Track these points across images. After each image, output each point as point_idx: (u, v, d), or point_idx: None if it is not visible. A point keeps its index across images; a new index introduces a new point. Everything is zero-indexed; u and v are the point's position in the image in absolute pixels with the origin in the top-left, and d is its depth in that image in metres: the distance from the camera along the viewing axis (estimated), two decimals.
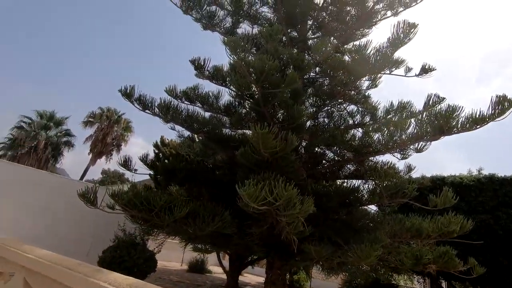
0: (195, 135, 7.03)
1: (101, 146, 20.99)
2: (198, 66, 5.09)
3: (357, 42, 5.11)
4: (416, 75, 5.85)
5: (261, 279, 16.44)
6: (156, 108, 4.89)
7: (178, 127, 5.55)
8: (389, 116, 5.65)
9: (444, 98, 5.28)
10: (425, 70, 5.75)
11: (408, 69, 5.70)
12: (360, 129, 5.90)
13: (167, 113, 4.88)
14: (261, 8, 6.67)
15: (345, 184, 5.15)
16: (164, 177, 5.16)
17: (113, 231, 8.33)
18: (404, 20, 3.95)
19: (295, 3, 6.12)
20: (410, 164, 5.51)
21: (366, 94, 6.10)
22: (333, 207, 4.61)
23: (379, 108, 5.83)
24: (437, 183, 10.60)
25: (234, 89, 5.07)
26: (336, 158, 5.47)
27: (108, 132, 21.16)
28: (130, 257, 7.14)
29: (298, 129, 4.17)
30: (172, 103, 4.97)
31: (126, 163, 4.86)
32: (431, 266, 4.40)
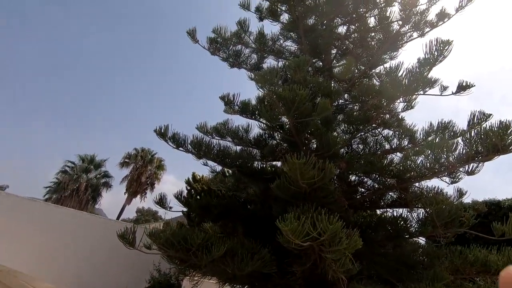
0: (227, 170, 7.04)
1: (136, 186, 21.78)
2: (228, 102, 5.21)
3: (387, 65, 5.00)
4: (453, 93, 5.55)
5: None
6: (189, 145, 4.98)
7: (210, 163, 5.59)
8: (429, 137, 5.30)
9: (490, 115, 4.87)
10: (462, 87, 5.44)
11: (444, 88, 5.43)
12: (399, 154, 5.58)
13: (200, 149, 4.95)
14: (284, 43, 6.88)
15: (389, 214, 4.75)
16: (198, 214, 5.10)
17: (148, 270, 8.28)
18: (437, 38, 3.81)
19: (318, 35, 6.24)
20: (461, 189, 5.03)
21: (400, 117, 5.85)
22: (379, 240, 4.22)
23: (417, 130, 5.52)
24: (492, 208, 9.56)
25: (264, 121, 5.08)
26: (376, 186, 5.13)
27: (142, 172, 22.05)
28: None
29: (334, 157, 4.00)
30: (204, 139, 5.05)
31: (161, 201, 4.89)
32: None
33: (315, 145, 4.77)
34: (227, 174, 6.54)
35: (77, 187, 18.86)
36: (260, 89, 6.19)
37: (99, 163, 21.09)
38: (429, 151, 4.06)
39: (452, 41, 3.78)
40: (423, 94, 5.35)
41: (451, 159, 3.93)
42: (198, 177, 11.97)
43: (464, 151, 3.82)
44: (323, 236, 2.42)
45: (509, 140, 3.43)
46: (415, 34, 6.37)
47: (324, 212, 2.56)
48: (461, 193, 5.00)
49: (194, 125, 5.73)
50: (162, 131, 4.71)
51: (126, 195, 21.87)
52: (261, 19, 7.54)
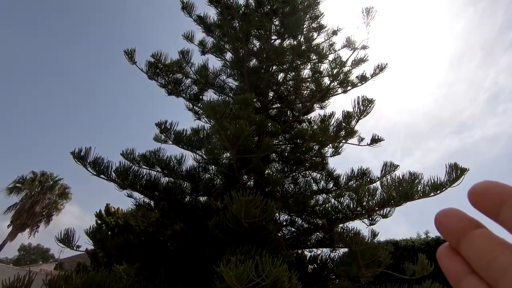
0: (152, 203, 6.39)
1: (27, 217, 17.93)
2: (164, 129, 4.89)
3: (320, 113, 5.50)
4: (367, 144, 6.37)
5: None
6: (113, 173, 4.39)
7: (135, 194, 4.99)
8: (350, 182, 5.88)
9: (398, 166, 5.75)
10: (375, 140, 6.30)
11: (361, 139, 6.22)
12: (324, 195, 5.98)
13: (125, 178, 4.40)
14: (226, 79, 7.03)
15: (316, 254, 4.89)
16: (113, 255, 4.35)
17: None
18: (363, 96, 4.41)
19: (259, 77, 6.59)
20: (374, 230, 5.59)
21: (324, 161, 6.39)
22: (308, 282, 4.25)
23: (340, 174, 6.09)
24: (392, 248, 10.85)
25: (200, 153, 4.88)
26: (305, 226, 5.31)
27: (38, 200, 18.41)
28: None
29: (271, 196, 4.01)
30: (132, 168, 4.53)
31: (66, 239, 4.04)
32: None
33: (251, 182, 4.75)
34: (151, 207, 5.93)
35: None
36: (206, 119, 6.02)
37: None
38: (354, 194, 4.46)
39: (375, 100, 4.43)
40: (345, 142, 6.05)
41: (371, 202, 4.39)
42: (113, 209, 10.56)
43: (382, 196, 4.32)
44: (266, 280, 2.28)
45: (416, 189, 4.04)
46: (339, 90, 7.30)
47: (265, 254, 2.45)
48: (374, 234, 5.55)
49: (110, 151, 5.12)
50: (82, 154, 4.05)
51: (10, 228, 17.64)
52: (203, 53, 7.64)
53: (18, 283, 2.33)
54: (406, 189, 4.07)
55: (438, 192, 3.99)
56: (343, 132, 4.71)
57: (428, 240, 11.29)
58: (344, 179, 6.02)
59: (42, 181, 18.72)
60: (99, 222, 10.11)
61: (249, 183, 4.44)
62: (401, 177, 4.15)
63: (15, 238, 18.23)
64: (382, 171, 5.73)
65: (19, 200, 18.02)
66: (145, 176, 4.51)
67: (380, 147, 6.23)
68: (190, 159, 6.26)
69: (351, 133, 4.85)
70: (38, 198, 18.34)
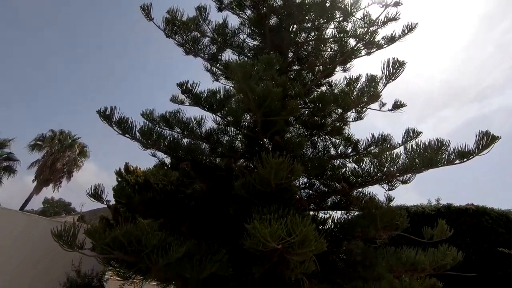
0: (170, 163, 6.56)
1: (49, 173, 18.86)
2: (186, 90, 4.83)
3: (344, 75, 5.27)
4: (389, 110, 6.18)
5: None
6: (137, 133, 4.45)
7: (159, 154, 5.10)
8: (370, 147, 5.83)
9: (420, 132, 5.62)
10: (397, 105, 6.09)
11: (382, 104, 6.03)
12: (342, 160, 5.98)
13: (149, 138, 4.47)
14: (246, 39, 6.74)
15: (333, 216, 5.03)
16: (139, 210, 4.58)
17: (64, 272, 7.17)
18: (394, 58, 4.17)
19: (281, 36, 6.28)
20: (390, 195, 5.65)
21: (344, 126, 6.27)
22: (326, 242, 4.43)
23: (360, 140, 6.02)
24: (406, 213, 11.08)
25: (223, 115, 4.86)
26: (323, 188, 5.40)
27: (59, 157, 19.18)
28: None
29: (294, 159, 4.04)
30: (156, 128, 4.58)
31: (97, 193, 4.24)
32: None
33: (270, 145, 4.75)
34: (173, 167, 6.09)
35: None
36: (225, 81, 5.90)
37: (2, 142, 17.53)
38: (375, 159, 4.44)
39: (406, 63, 4.20)
40: (367, 108, 5.88)
41: (393, 168, 4.38)
42: (132, 168, 10.94)
43: (404, 162, 4.29)
44: (295, 238, 2.37)
45: (441, 156, 3.97)
46: (363, 52, 6.94)
47: (293, 213, 2.53)
48: (390, 199, 5.63)
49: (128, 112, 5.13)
50: (107, 113, 4.09)
51: (35, 183, 18.70)
52: (220, 9, 7.24)
53: (65, 233, 2.51)
54: (431, 156, 4.01)
55: (465, 160, 3.92)
56: (367, 97, 4.56)
57: (439, 207, 11.42)
58: (364, 145, 5.97)
59: (61, 139, 19.35)
60: (119, 179, 10.55)
61: (268, 145, 4.44)
62: (426, 143, 4.07)
63: (40, 192, 19.43)
64: (403, 137, 5.62)
65: (41, 157, 18.86)
66: (168, 136, 4.56)
67: (393, 115, 6.04)
68: (209, 120, 6.27)
69: (376, 97, 4.69)
70: (59, 155, 19.09)
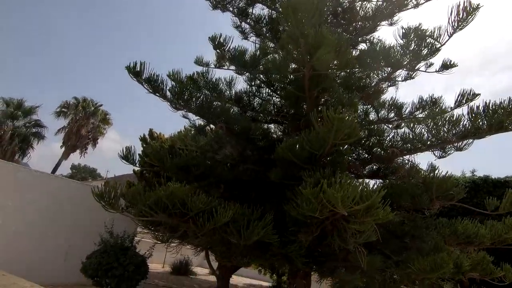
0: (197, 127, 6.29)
1: (76, 139, 19.35)
2: (218, 45, 4.39)
3: (399, 28, 4.57)
4: (436, 71, 5.50)
5: (248, 281, 15.86)
6: (168, 92, 4.14)
7: (190, 116, 4.81)
8: (417, 111, 5.28)
9: (478, 94, 4.98)
10: (446, 66, 5.40)
11: (430, 64, 5.35)
12: (384, 125, 5.48)
13: (181, 98, 4.15)
14: None
15: (379, 183, 4.68)
16: (174, 174, 4.40)
17: (98, 233, 7.38)
18: (465, 1, 3.49)
19: None
20: (434, 164, 5.17)
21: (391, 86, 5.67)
22: None
23: (404, 103, 5.45)
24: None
25: (261, 72, 4.42)
26: (364, 155, 5.01)
27: (83, 124, 19.55)
28: (119, 263, 6.26)
29: None
30: (188, 87, 4.24)
31: (128, 156, 4.07)
32: (471, 274, 4.05)
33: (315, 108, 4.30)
34: (202, 131, 5.83)
35: (0, 135, 15.91)
36: (259, 37, 5.37)
37: (29, 109, 17.91)
38: (431, 123, 3.95)
39: (481, 6, 3.51)
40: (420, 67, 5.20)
41: (452, 133, 3.89)
42: (156, 134, 10.87)
43: (467, 125, 3.78)
44: (360, 205, 2.05)
45: None
46: (411, 4, 6.11)
47: (361, 180, 2.18)
48: (433, 168, 5.16)
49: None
50: (137, 69, 3.76)
51: (63, 149, 19.33)
52: None
53: (107, 194, 2.31)
54: (501, 118, 3.48)
55: None
56: (428, 50, 3.96)
57: (474, 179, 10.81)
58: (409, 109, 5.42)
59: (85, 106, 19.57)
60: (144, 145, 10.54)
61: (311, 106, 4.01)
62: (497, 103, 3.52)
63: (68, 158, 20.16)
64: (457, 99, 5.02)
65: (67, 124, 19.27)
66: (200, 96, 4.22)
67: (415, 84, 5.33)
68: (239, 82, 5.85)
69: (436, 51, 4.07)
70: (83, 122, 19.45)
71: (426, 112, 5.17)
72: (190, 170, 4.24)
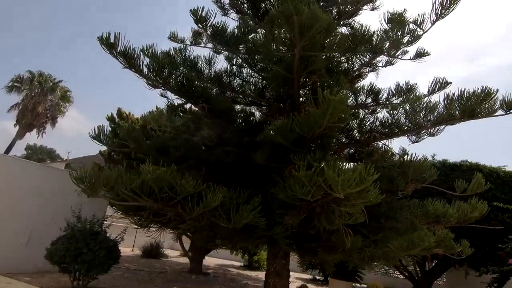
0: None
1: (31, 117, 17.75)
2: (200, 19, 4.10)
3: (389, 9, 4.55)
4: (410, 59, 5.68)
5: (220, 261, 16.10)
6: (145, 67, 3.83)
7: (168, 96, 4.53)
8: (393, 98, 5.45)
9: (450, 83, 5.23)
10: (420, 54, 5.59)
11: (404, 52, 5.50)
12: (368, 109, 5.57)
13: (159, 74, 3.86)
14: None
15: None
16: (150, 154, 4.17)
17: (63, 218, 6.93)
18: None
19: None
20: (405, 149, 5.44)
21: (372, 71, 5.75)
22: None
23: (382, 89, 5.58)
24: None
25: (243, 52, 4.23)
26: (343, 140, 5.11)
27: (40, 101, 17.92)
28: (89, 249, 5.96)
29: None
30: (167, 62, 3.95)
31: (101, 135, 3.76)
32: (436, 250, 4.39)
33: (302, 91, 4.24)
34: (182, 111, 5.57)
35: None
36: (239, 14, 5.10)
37: None
38: (409, 108, 4.09)
39: None
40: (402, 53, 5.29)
41: (428, 119, 4.06)
42: (125, 114, 10.27)
43: (442, 112, 3.96)
44: (357, 187, 2.06)
45: (487, 105, 3.65)
46: None
47: (361, 162, 2.18)
48: (404, 152, 5.42)
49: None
50: (111, 40, 3.41)
51: (17, 127, 17.66)
52: None
53: (86, 177, 2.09)
54: (473, 106, 3.69)
55: (510, 111, 3.63)
56: (410, 36, 4.03)
57: (434, 162, 11.66)
58: (385, 95, 5.57)
59: (41, 81, 17.84)
60: (112, 125, 9.92)
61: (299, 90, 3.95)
62: (471, 92, 3.70)
63: (23, 137, 18.51)
64: (430, 87, 5.24)
65: (21, 100, 17.55)
66: (181, 75, 3.96)
67: (383, 72, 5.54)
68: (219, 62, 5.58)
69: (419, 38, 4.16)
70: (40, 99, 17.81)
71: (401, 99, 5.37)
72: (168, 152, 4.04)
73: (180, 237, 11.48)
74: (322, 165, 2.15)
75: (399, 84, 5.39)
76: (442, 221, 3.84)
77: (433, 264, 12.36)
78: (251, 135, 4.71)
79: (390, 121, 4.26)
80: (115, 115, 10.16)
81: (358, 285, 10.40)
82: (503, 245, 8.39)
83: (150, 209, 2.60)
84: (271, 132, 2.97)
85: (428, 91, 5.25)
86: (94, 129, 3.73)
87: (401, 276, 13.36)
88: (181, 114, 7.19)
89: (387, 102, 5.46)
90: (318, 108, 2.31)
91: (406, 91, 5.35)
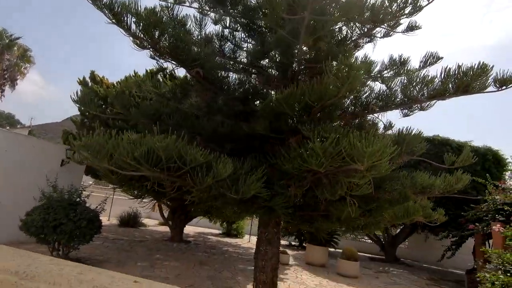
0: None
1: None
2: None
3: None
4: (402, 32, 5.64)
5: (199, 230, 16.38)
6: (135, 25, 3.44)
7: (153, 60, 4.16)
8: (385, 71, 5.44)
9: (442, 58, 5.28)
10: (412, 27, 5.55)
11: (397, 24, 5.44)
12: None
13: (150, 33, 3.49)
14: None
15: None
16: (141, 122, 3.89)
17: (38, 188, 6.52)
18: None
19: None
20: (391, 122, 5.57)
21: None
22: None
23: (375, 62, 5.54)
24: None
25: (237, 13, 3.92)
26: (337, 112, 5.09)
27: None
28: (69, 219, 5.72)
29: None
30: (158, 20, 3.56)
31: (84, 98, 3.42)
32: (416, 218, 4.68)
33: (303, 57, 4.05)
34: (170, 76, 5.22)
35: None
36: None
37: None
38: (406, 81, 4.10)
39: None
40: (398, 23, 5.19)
41: (423, 92, 4.10)
42: (98, 77, 9.51)
43: (437, 86, 4.01)
44: (377, 160, 2.03)
45: (482, 81, 3.74)
46: None
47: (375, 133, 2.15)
48: (390, 126, 5.56)
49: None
50: None
51: None
52: None
53: (94, 145, 1.86)
54: (469, 81, 3.76)
55: (504, 88, 3.74)
56: (412, 6, 3.93)
57: None
58: (378, 68, 5.55)
59: None
60: (83, 90, 9.18)
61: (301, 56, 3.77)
62: (468, 66, 3.75)
63: None
64: (422, 62, 5.28)
65: None
66: (174, 35, 3.60)
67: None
68: (208, 25, 5.18)
69: (419, 10, 4.07)
70: None
71: (393, 72, 5.38)
72: (160, 120, 3.79)
73: (160, 206, 11.40)
74: (337, 136, 2.09)
75: (392, 56, 5.38)
76: (428, 192, 4.04)
77: (398, 230, 13.46)
78: (245, 104, 4.54)
79: (386, 94, 4.27)
80: (87, 79, 9.40)
81: (333, 249, 11.12)
82: (464, 213, 9.24)
83: (153, 180, 2.44)
84: (276, 100, 2.83)
85: (420, 65, 5.30)
86: (77, 92, 3.36)
87: (369, 240, 14.51)
88: (166, 80, 6.76)
89: (379, 76, 5.46)
90: (334, 76, 2.20)
91: (399, 65, 5.36)
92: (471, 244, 9.91)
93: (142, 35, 3.45)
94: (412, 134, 3.73)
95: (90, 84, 9.13)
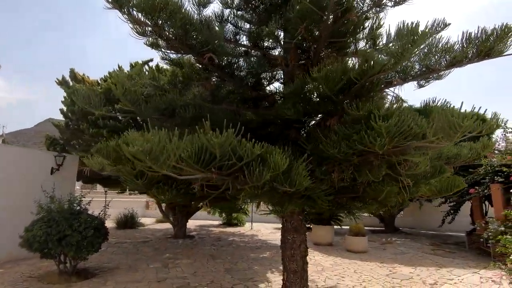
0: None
1: None
2: None
3: None
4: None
5: (199, 222, 16.17)
6: (135, 8, 3.03)
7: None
8: (391, 43, 5.25)
9: (449, 24, 5.14)
10: None
11: None
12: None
13: (154, 17, 3.10)
14: None
15: None
16: (153, 118, 3.53)
17: (29, 200, 6.04)
18: None
19: None
20: (398, 96, 5.46)
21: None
22: None
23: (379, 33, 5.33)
24: None
25: None
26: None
27: None
28: (73, 230, 5.35)
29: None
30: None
31: (89, 100, 3.03)
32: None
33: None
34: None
35: None
36: None
37: None
38: (425, 52, 3.93)
39: None
40: None
41: (443, 60, 3.96)
42: (79, 76, 8.83)
43: (457, 54, 3.87)
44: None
45: (507, 42, 3.61)
46: None
47: None
48: (402, 100, 5.44)
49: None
50: None
51: None
52: None
53: (149, 145, 1.54)
54: (492, 45, 3.64)
55: None
56: None
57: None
58: (385, 40, 5.35)
59: None
60: (67, 90, 8.51)
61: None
62: (491, 29, 3.61)
63: None
64: (430, 29, 5.11)
65: None
66: (183, 18, 3.21)
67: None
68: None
69: None
70: None
71: (399, 44, 5.19)
72: (174, 113, 3.46)
73: (160, 204, 11.05)
74: (400, 114, 1.89)
75: (403, 22, 5.17)
76: (452, 162, 3.98)
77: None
78: (258, 90, 4.26)
79: (406, 65, 4.09)
80: (67, 78, 8.71)
81: (338, 227, 11.28)
82: (463, 178, 9.52)
83: (202, 180, 2.17)
84: (313, 79, 2.57)
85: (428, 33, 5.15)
86: (81, 92, 2.96)
87: (366, 214, 14.88)
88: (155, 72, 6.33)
89: (385, 47, 5.27)
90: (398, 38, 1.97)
91: (408, 35, 5.17)
92: (465, 207, 10.29)
93: (146, 20, 3.06)
94: (438, 107, 3.60)
95: (71, 83, 8.47)
